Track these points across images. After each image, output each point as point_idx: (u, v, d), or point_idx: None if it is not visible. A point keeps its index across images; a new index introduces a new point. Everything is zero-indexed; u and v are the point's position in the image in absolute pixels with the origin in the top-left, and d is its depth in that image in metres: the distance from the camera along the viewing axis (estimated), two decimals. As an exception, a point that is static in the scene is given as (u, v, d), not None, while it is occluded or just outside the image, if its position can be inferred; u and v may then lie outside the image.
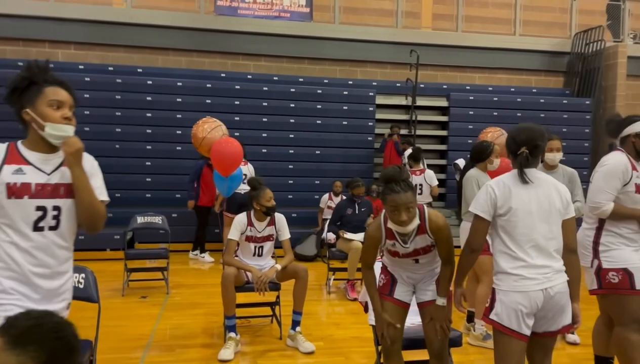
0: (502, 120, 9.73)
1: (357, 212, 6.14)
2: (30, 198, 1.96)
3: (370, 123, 9.48)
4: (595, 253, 3.09)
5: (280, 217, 4.48)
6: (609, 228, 3.07)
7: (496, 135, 5.26)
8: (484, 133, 5.48)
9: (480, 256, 4.31)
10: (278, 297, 4.50)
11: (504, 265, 2.51)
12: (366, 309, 3.57)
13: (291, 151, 9.29)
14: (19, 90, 2.00)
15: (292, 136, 9.30)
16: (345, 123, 9.41)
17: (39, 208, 1.98)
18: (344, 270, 6.04)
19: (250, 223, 4.35)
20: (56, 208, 2.01)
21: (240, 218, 4.36)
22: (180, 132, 8.83)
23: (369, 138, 9.46)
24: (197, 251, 7.73)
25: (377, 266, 3.41)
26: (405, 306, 2.99)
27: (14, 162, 1.98)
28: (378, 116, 9.68)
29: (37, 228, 1.98)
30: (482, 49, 10.76)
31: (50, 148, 2.03)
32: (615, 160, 3.10)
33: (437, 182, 7.41)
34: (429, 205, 7.47)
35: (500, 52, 10.87)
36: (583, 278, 2.94)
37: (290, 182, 8.96)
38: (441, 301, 2.84)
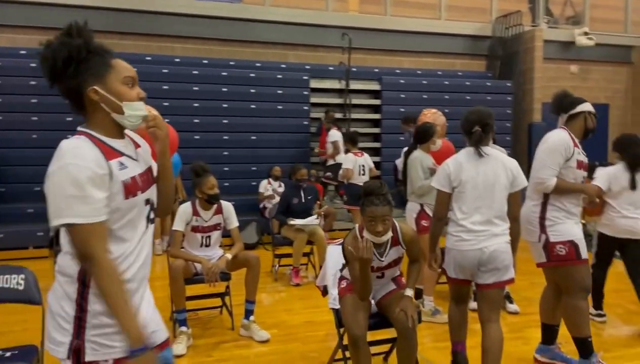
0: (432, 103, 9.98)
1: (303, 201, 6.06)
2: (142, 193, 1.66)
3: (305, 107, 9.42)
4: (542, 228, 3.24)
5: (227, 205, 4.34)
6: (554, 203, 3.23)
7: (434, 117, 5.39)
8: (423, 115, 5.59)
9: (425, 235, 4.49)
10: (228, 287, 4.38)
11: (450, 228, 3.05)
12: (324, 293, 3.56)
13: (225, 137, 9.04)
14: (75, 62, 1.57)
15: (225, 121, 9.05)
16: (280, 107, 9.29)
17: (147, 201, 1.70)
18: (289, 255, 6.00)
19: (195, 213, 4.19)
20: (152, 196, 1.75)
21: (185, 208, 4.18)
22: (105, 120, 8.32)
23: (304, 123, 9.40)
24: None
25: (335, 253, 3.40)
26: (368, 301, 3.06)
27: (112, 155, 1.59)
28: (313, 100, 9.64)
29: (147, 226, 1.71)
30: (410, 32, 10.97)
31: (121, 133, 1.69)
32: (558, 137, 3.27)
33: (372, 164, 7.60)
34: None
35: (427, 36, 11.14)
36: (524, 248, 3.26)
37: (225, 169, 8.73)
38: (410, 292, 2.98)
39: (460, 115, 3.12)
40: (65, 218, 1.49)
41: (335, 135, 8.42)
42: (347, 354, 3.10)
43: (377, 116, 10.12)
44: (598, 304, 4.49)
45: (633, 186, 4.16)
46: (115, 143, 1.65)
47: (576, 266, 3.21)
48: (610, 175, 4.21)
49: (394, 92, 10.01)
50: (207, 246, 4.27)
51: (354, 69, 10.04)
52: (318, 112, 9.62)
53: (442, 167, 3.10)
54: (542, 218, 3.23)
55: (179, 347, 3.77)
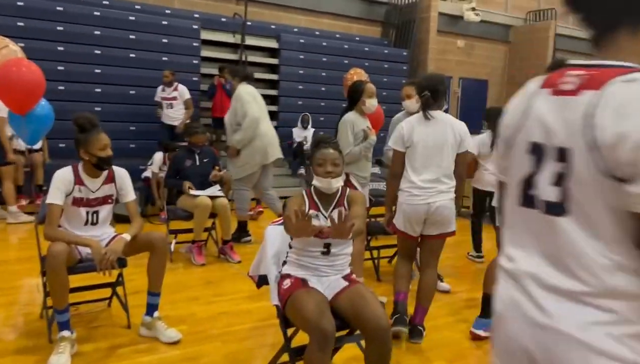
0: (332, 67, 9.53)
1: (198, 164, 5.20)
2: None
3: (195, 61, 8.33)
4: None
5: (121, 172, 3.42)
6: None
7: (364, 77, 4.98)
8: (350, 75, 5.16)
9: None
10: (121, 275, 3.47)
11: (402, 185, 3.30)
12: (259, 285, 2.89)
13: (98, 90, 7.67)
14: None
15: (98, 71, 7.66)
16: (165, 58, 8.09)
17: None
18: (185, 231, 5.15)
19: (78, 181, 3.20)
20: None
21: (63, 174, 3.18)
22: None
23: (194, 79, 8.31)
24: None
25: (275, 236, 2.73)
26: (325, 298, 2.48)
27: None
28: (204, 53, 8.56)
29: None
30: (307, -11, 10.27)
31: None
32: None
33: None
34: None
35: (325, -5, 10.54)
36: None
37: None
38: (362, 279, 2.76)
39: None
40: None
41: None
42: (299, 360, 2.49)
43: (274, 77, 9.35)
44: (478, 248, 5.36)
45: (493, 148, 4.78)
46: None
47: None
48: (479, 141, 4.88)
49: (292, 51, 9.31)
50: (93, 224, 3.31)
51: (250, 23, 9.12)
52: (210, 68, 8.60)
53: (397, 129, 3.37)
54: None
55: (61, 358, 2.83)
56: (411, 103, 4.21)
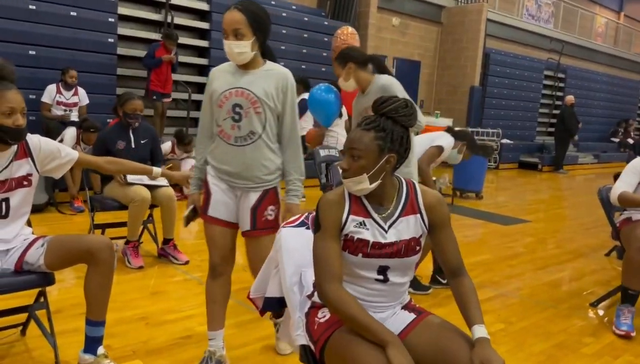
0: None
1: (133, 146, 4.09)
2: None
3: (111, 20, 6.98)
4: None
5: (34, 140, 2.38)
6: None
7: (356, 38, 4.33)
8: (342, 35, 4.45)
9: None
10: (43, 295, 2.44)
11: None
12: (264, 311, 2.08)
13: (-15, 47, 6.17)
14: None
15: (-13, 24, 6.16)
16: (73, 14, 6.69)
17: None
18: (117, 225, 4.10)
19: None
20: None
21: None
22: None
23: (110, 40, 6.97)
24: None
25: (294, 242, 1.93)
26: None
27: None
28: (121, 11, 7.23)
29: None
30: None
31: None
32: None
33: None
34: None
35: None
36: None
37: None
38: (484, 331, 1.59)
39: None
40: None
41: None
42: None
43: (204, 43, 8.22)
44: None
45: None
46: None
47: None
48: None
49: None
50: (3, 217, 2.27)
51: (175, -21, 7.90)
52: (129, 28, 7.31)
53: None
54: None
55: None
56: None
